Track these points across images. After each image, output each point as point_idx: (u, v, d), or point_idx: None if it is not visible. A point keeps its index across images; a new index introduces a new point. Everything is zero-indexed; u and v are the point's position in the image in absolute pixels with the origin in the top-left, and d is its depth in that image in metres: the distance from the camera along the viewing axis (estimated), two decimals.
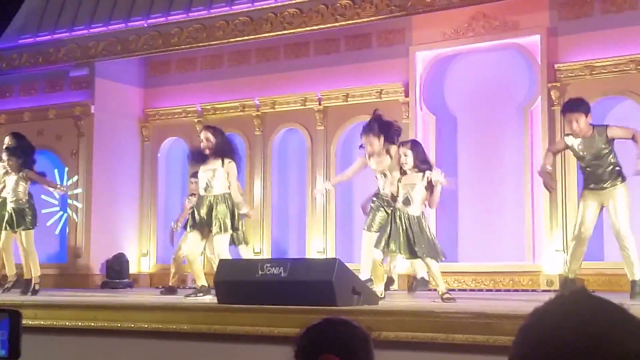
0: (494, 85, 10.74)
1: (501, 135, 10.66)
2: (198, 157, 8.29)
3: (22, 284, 8.81)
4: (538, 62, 10.23)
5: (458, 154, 10.96)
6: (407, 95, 11.00)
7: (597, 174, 7.09)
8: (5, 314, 2.04)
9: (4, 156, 9.10)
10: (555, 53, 10.17)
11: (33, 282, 8.71)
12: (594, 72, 9.91)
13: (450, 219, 10.74)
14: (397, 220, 7.14)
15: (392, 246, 7.13)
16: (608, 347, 1.09)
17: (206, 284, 8.16)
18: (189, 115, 12.74)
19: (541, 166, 7.50)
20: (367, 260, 7.75)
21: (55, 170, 12.75)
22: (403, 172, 7.28)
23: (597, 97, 9.91)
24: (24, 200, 8.91)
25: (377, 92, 11.25)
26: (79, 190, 12.37)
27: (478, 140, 10.81)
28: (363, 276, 7.53)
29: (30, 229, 8.88)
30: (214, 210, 8.02)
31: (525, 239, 10.18)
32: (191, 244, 8.27)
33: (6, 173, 9.04)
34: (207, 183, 8.12)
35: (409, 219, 7.13)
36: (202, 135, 8.24)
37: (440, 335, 5.25)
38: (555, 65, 10.09)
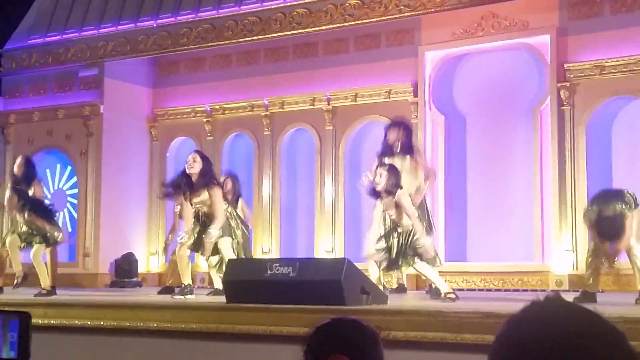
0: (504, 85, 10.71)
1: (510, 135, 10.63)
2: (180, 183, 8.45)
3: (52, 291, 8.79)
4: (548, 62, 10.20)
5: (467, 154, 10.94)
6: (416, 95, 10.98)
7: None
8: (14, 316, 2.04)
9: (8, 193, 9.10)
10: (565, 53, 10.14)
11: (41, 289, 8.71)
12: (604, 72, 9.87)
13: (459, 218, 10.72)
14: (392, 238, 7.25)
15: (380, 254, 7.24)
16: (582, 353, 1.11)
17: (191, 283, 8.35)
18: (198, 115, 12.76)
19: None
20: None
21: (69, 168, 12.81)
22: (377, 195, 7.38)
23: (607, 97, 9.89)
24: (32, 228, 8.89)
25: (386, 92, 11.24)
26: (74, 190, 12.42)
27: (487, 140, 10.79)
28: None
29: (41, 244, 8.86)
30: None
31: (534, 239, 10.15)
32: (183, 248, 8.46)
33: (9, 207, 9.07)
34: (198, 210, 8.30)
35: (400, 235, 7.23)
36: (190, 156, 8.46)
37: (449, 335, 5.24)
38: (565, 65, 10.05)
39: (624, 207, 6.86)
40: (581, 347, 1.11)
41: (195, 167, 8.32)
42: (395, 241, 7.20)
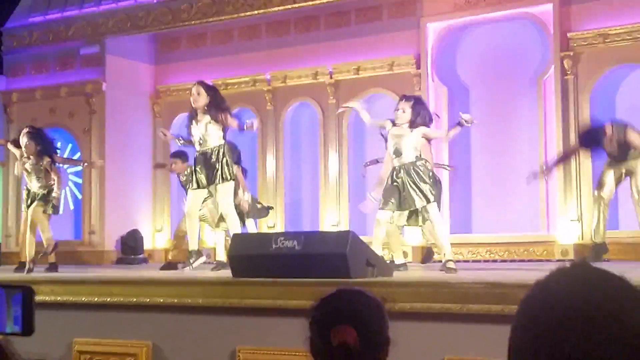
0: (507, 55, 10.66)
1: (514, 105, 10.60)
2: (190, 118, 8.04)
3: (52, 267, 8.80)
4: (551, 31, 10.14)
5: (471, 125, 10.88)
6: (418, 67, 10.94)
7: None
8: (18, 290, 2.04)
9: (24, 139, 9.03)
10: (568, 22, 10.07)
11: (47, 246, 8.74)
12: (607, 40, 9.81)
13: (463, 190, 10.72)
14: (394, 177, 7.12)
15: (391, 204, 7.10)
16: (609, 317, 1.10)
17: (197, 248, 7.98)
18: None
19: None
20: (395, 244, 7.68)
21: (69, 145, 12.83)
22: (394, 124, 7.23)
23: (611, 66, 9.84)
24: (44, 184, 8.89)
25: (388, 64, 11.19)
26: (78, 168, 12.42)
27: (491, 111, 10.75)
28: (397, 261, 7.49)
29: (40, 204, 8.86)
30: (211, 164, 7.75)
31: (539, 209, 10.16)
32: (191, 200, 7.97)
33: (24, 168, 9.02)
34: (201, 138, 7.84)
35: (402, 170, 7.09)
36: (194, 89, 7.89)
37: (455, 306, 5.24)
38: (568, 34, 10.00)
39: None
40: (609, 312, 1.10)
41: (200, 101, 7.73)
42: (400, 196, 7.08)
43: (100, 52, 12.63)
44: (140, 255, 12.15)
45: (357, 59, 11.44)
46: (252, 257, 6.51)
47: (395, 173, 7.16)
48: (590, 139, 7.57)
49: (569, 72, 9.96)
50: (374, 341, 2.24)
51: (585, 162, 9.73)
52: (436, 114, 7.83)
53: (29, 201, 8.94)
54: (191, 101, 7.93)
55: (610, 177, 7.88)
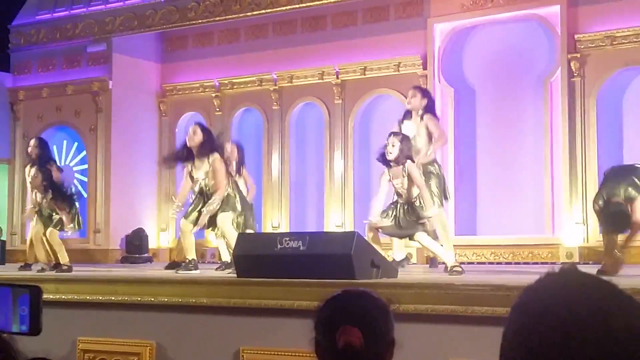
0: (513, 56, 10.64)
1: (520, 107, 10.58)
2: (181, 155, 8.34)
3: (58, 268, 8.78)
4: (558, 33, 10.11)
5: (477, 126, 10.89)
6: (425, 68, 10.92)
7: None
8: (25, 290, 2.04)
9: (33, 171, 8.99)
10: (575, 23, 10.05)
11: (62, 265, 8.72)
12: (614, 43, 9.79)
13: (469, 191, 10.70)
14: (398, 207, 7.17)
15: (385, 220, 7.14)
16: (599, 323, 1.10)
17: (195, 258, 8.09)
18: (207, 90, 12.73)
19: None
20: (396, 242, 7.68)
21: (75, 144, 12.84)
22: (387, 163, 7.25)
23: (618, 68, 9.82)
24: (49, 210, 8.84)
25: (395, 65, 11.18)
26: (83, 166, 12.42)
27: (497, 113, 10.74)
28: (397, 257, 7.49)
29: (55, 229, 8.81)
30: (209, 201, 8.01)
31: (544, 211, 10.14)
32: (184, 223, 8.14)
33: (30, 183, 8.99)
34: (201, 187, 8.08)
35: (403, 206, 7.15)
36: (191, 129, 8.28)
37: (459, 308, 5.24)
38: (576, 36, 9.97)
39: (632, 190, 6.40)
40: (598, 317, 1.10)
41: (195, 140, 8.13)
42: (400, 211, 7.13)
43: (107, 50, 12.65)
44: (145, 254, 12.16)
45: (363, 59, 11.44)
46: (256, 257, 6.51)
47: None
48: None
49: (576, 74, 9.93)
50: (379, 342, 2.23)
51: (590, 163, 9.71)
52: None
53: (39, 215, 8.83)
54: (186, 140, 8.23)
55: None
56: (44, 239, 8.87)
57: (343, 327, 2.19)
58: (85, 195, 12.76)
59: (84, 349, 6.77)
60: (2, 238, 13.22)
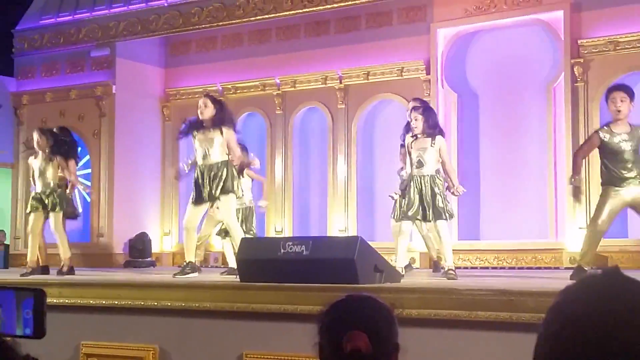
0: (517, 62, 10.64)
1: (524, 112, 10.57)
2: (192, 125, 7.93)
3: (39, 270, 8.76)
4: (561, 38, 10.11)
5: (480, 131, 10.89)
6: (428, 73, 10.92)
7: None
8: (29, 293, 2.04)
9: (35, 135, 8.99)
10: (578, 29, 10.05)
11: (62, 264, 8.72)
12: (618, 48, 9.79)
13: (472, 196, 10.69)
14: (413, 187, 7.18)
15: (410, 212, 7.16)
16: (638, 326, 1.08)
17: (194, 260, 7.90)
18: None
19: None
20: (402, 247, 7.65)
21: (79, 149, 12.84)
22: (414, 137, 7.30)
23: (621, 73, 9.81)
24: (52, 183, 8.81)
25: (398, 69, 11.19)
26: (87, 170, 12.43)
27: (500, 118, 10.73)
28: (399, 264, 7.45)
29: (57, 212, 8.79)
30: (214, 176, 7.67)
31: (548, 216, 10.12)
32: (190, 214, 7.86)
33: (33, 157, 8.96)
34: (205, 152, 7.74)
35: (423, 182, 7.16)
36: (201, 101, 7.84)
37: (463, 313, 5.23)
38: (579, 41, 9.97)
39: None
40: (638, 319, 1.09)
41: (206, 113, 7.67)
42: (421, 193, 7.17)
43: (111, 55, 12.67)
44: (148, 259, 12.17)
45: (366, 64, 11.44)
46: (260, 262, 6.51)
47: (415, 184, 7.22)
48: None
49: (579, 79, 9.93)
50: (384, 347, 2.23)
51: (594, 169, 9.69)
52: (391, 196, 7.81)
53: (39, 203, 8.84)
54: (198, 113, 7.86)
55: None
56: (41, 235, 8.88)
57: (350, 332, 2.18)
58: (88, 199, 12.79)
59: (87, 352, 6.78)
60: (5, 242, 13.25)
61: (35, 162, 8.94)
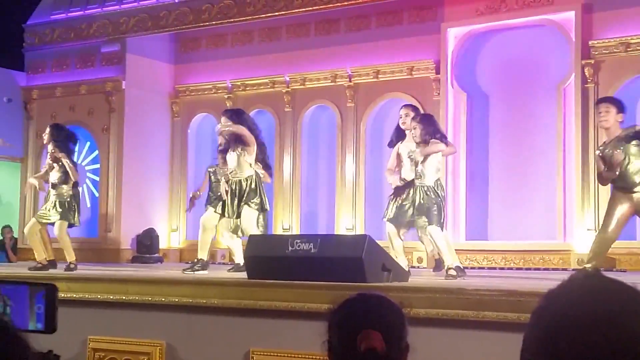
0: (527, 62, 10.62)
1: (533, 113, 10.55)
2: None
3: (47, 265, 8.79)
4: (572, 39, 10.08)
5: (490, 132, 10.87)
6: (438, 73, 10.91)
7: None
8: (41, 288, 2.05)
9: (50, 147, 9.03)
10: (589, 30, 10.02)
11: (69, 262, 8.74)
12: (629, 49, 9.76)
13: (480, 197, 10.68)
14: (411, 194, 7.24)
15: (401, 219, 7.27)
16: (621, 327, 1.09)
17: (205, 258, 8.16)
18: (219, 91, 12.75)
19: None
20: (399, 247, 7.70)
21: (87, 143, 12.90)
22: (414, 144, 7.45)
23: (632, 75, 9.78)
24: (66, 195, 8.86)
25: (408, 69, 11.18)
26: (96, 166, 12.46)
27: (510, 118, 10.71)
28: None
29: (64, 221, 8.85)
30: (241, 191, 8.07)
31: (556, 217, 10.10)
32: (209, 214, 8.48)
33: (50, 167, 8.99)
34: (234, 168, 8.15)
35: (421, 191, 7.25)
36: (222, 119, 8.30)
37: (470, 313, 5.23)
38: (590, 42, 9.94)
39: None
40: (622, 322, 1.09)
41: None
42: (418, 194, 7.24)
43: (121, 51, 12.69)
44: (156, 255, 12.19)
45: (376, 62, 11.43)
46: (268, 259, 6.52)
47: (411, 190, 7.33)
48: None
49: (589, 80, 9.90)
50: (397, 347, 2.23)
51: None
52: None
53: (46, 211, 8.89)
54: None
55: None
56: (39, 235, 8.92)
57: (365, 331, 2.17)
58: (97, 194, 12.82)
59: (95, 347, 6.80)
60: (14, 236, 13.29)
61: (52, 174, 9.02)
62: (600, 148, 6.92)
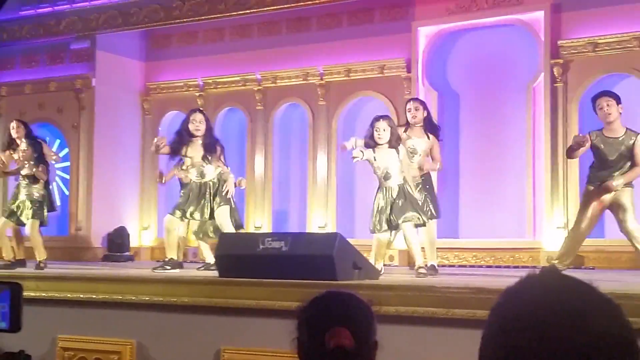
0: (497, 61, 10.70)
1: (503, 111, 10.63)
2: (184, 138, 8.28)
3: (15, 264, 8.73)
4: (542, 39, 10.17)
5: (460, 130, 10.94)
6: (409, 71, 10.95)
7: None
8: (6, 287, 2.04)
9: (23, 145, 8.96)
10: (558, 29, 10.12)
11: (39, 261, 8.68)
12: (597, 49, 9.86)
13: (451, 195, 10.74)
14: (383, 199, 7.23)
15: (384, 224, 7.19)
16: (576, 324, 1.11)
17: (175, 257, 8.10)
18: (191, 89, 12.70)
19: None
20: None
21: (57, 141, 12.79)
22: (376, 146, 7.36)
23: (600, 74, 9.89)
24: (37, 194, 8.81)
25: (379, 67, 11.21)
26: (66, 163, 12.37)
27: (480, 117, 10.79)
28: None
29: (37, 219, 8.80)
30: (207, 194, 8.11)
31: (526, 215, 10.19)
32: (170, 220, 8.22)
33: (22, 165, 8.92)
34: (201, 173, 8.16)
35: (391, 193, 7.21)
36: (197, 117, 8.28)
37: (440, 310, 5.27)
38: (559, 42, 10.04)
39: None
40: (577, 318, 1.11)
41: (201, 129, 8.18)
42: (394, 198, 7.22)
43: (91, 48, 12.59)
44: (127, 253, 12.12)
45: (347, 61, 11.45)
46: (239, 257, 6.52)
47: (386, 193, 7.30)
48: None
49: (558, 80, 10.00)
50: (365, 344, 2.24)
51: (572, 167, 9.76)
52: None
53: (17, 210, 8.83)
54: (191, 129, 8.22)
55: None
56: (12, 233, 8.87)
57: (333, 328, 2.18)
58: (67, 192, 12.72)
59: (64, 346, 6.75)
60: None
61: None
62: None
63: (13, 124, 9.15)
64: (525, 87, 10.38)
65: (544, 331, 1.10)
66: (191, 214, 8.12)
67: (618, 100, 6.85)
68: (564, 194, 9.86)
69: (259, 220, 11.91)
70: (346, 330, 2.20)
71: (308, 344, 2.26)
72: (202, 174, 8.17)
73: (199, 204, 8.09)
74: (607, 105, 6.79)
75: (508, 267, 9.87)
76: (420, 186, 7.77)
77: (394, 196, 7.18)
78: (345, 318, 2.24)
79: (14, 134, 9.04)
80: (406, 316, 5.33)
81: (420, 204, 7.43)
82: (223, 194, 8.11)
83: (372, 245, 7.33)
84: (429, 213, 7.74)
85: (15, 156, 9.00)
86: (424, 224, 7.34)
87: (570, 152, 7.12)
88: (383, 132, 7.27)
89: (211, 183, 8.16)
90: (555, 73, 10.01)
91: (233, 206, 8.42)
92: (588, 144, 6.78)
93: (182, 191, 8.69)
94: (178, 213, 8.12)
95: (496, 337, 1.15)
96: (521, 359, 1.11)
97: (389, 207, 7.17)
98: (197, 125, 8.21)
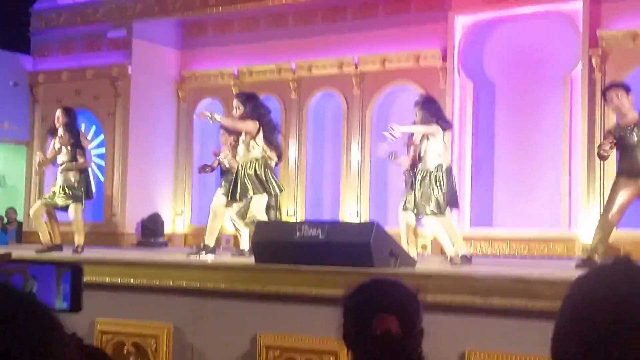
0: (534, 51, 10.62)
1: (540, 102, 10.56)
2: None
3: (53, 248, 8.84)
4: (580, 29, 10.08)
5: (495, 120, 10.88)
6: (444, 61, 10.91)
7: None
8: (67, 268, 2.08)
9: (61, 131, 9.05)
10: (597, 20, 10.02)
11: (76, 245, 8.80)
12: (636, 39, 9.76)
13: (486, 184, 10.71)
14: (413, 180, 7.30)
15: (408, 205, 7.29)
16: None
17: (211, 245, 8.15)
18: (225, 77, 12.76)
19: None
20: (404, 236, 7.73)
21: (93, 128, 12.93)
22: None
23: (639, 65, 9.78)
24: (74, 179, 8.91)
25: (414, 57, 11.18)
26: (101, 150, 12.50)
27: (516, 107, 10.72)
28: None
29: (79, 203, 8.91)
30: (248, 175, 8.01)
31: (561, 206, 10.13)
32: (219, 198, 8.39)
33: (59, 150, 9.02)
34: (242, 150, 8.16)
35: (423, 176, 7.27)
36: (234, 103, 8.26)
37: (478, 299, 5.26)
38: (598, 32, 9.94)
39: None
40: None
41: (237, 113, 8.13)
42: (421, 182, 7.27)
43: (127, 36, 12.69)
44: (160, 239, 12.22)
45: (383, 50, 11.43)
46: (275, 244, 6.55)
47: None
48: None
49: (596, 70, 9.91)
50: (412, 331, 2.26)
51: (609, 160, 9.66)
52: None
53: (54, 195, 8.94)
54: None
55: None
56: (47, 217, 8.97)
57: (381, 315, 2.20)
58: (102, 179, 12.85)
59: (102, 330, 6.83)
60: (18, 219, 13.34)
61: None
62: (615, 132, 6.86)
63: (56, 112, 9.23)
64: (562, 78, 10.31)
65: (617, 319, 1.11)
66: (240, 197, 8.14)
67: (627, 89, 6.82)
68: (600, 185, 9.78)
69: (291, 209, 11.95)
70: (393, 317, 2.21)
71: (355, 331, 2.28)
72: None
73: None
74: (618, 96, 6.76)
75: (543, 257, 9.82)
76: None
77: None
78: (392, 305, 2.25)
79: (56, 122, 9.15)
80: (444, 304, 5.33)
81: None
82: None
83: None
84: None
85: (57, 145, 9.11)
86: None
87: (601, 158, 7.15)
88: (415, 116, 7.52)
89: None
90: (593, 63, 9.92)
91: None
92: (613, 144, 6.74)
93: (222, 178, 8.79)
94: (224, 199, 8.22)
95: (571, 325, 1.16)
96: (597, 347, 1.11)
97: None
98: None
